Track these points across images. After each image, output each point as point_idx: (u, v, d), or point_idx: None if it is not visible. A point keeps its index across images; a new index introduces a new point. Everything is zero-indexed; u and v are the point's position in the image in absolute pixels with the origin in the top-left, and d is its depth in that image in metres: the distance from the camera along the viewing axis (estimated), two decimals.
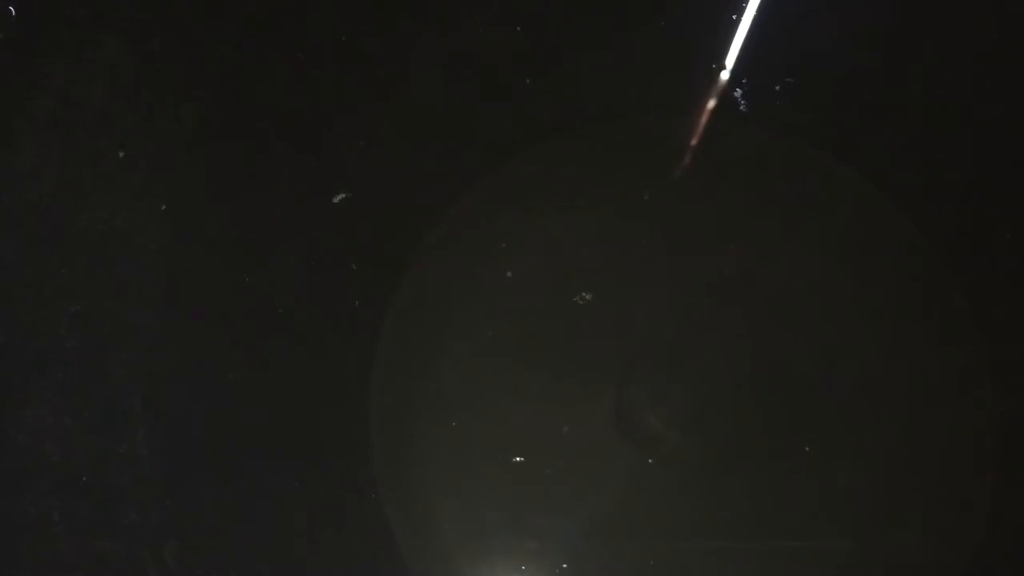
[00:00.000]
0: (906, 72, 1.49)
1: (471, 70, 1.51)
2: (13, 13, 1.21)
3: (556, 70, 1.52)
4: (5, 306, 1.28)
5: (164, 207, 1.35)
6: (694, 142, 1.54)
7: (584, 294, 1.56)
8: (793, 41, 1.49)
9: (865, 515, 1.50)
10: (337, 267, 1.52)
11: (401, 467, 1.54)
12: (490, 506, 1.53)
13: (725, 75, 1.50)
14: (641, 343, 1.56)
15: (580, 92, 1.55)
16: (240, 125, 1.41)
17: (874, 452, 1.51)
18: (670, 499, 1.52)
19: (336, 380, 1.54)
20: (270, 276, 1.47)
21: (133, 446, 1.34)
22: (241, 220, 1.44)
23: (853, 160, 1.55)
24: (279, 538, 1.44)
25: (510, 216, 1.58)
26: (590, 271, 1.57)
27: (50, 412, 1.30)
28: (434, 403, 1.56)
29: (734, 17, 1.45)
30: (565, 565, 1.51)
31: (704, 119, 1.53)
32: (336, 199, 1.49)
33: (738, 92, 1.52)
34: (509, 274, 1.58)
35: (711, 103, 1.52)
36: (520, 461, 1.53)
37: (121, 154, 1.32)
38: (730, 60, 1.48)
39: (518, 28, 1.48)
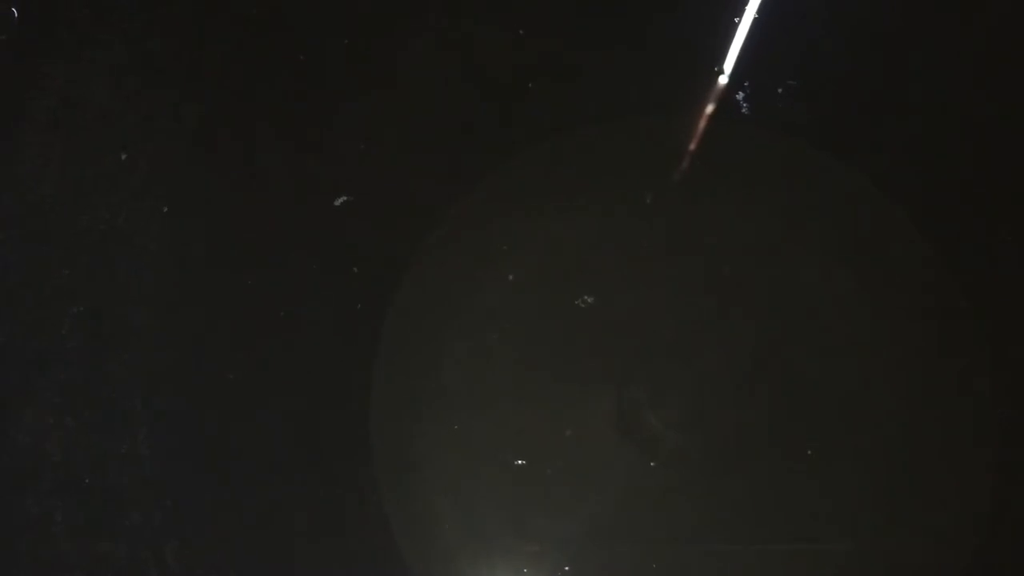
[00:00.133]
0: (906, 72, 1.49)
1: (471, 70, 1.51)
2: (15, 14, 1.21)
3: (556, 70, 1.52)
4: (5, 306, 1.28)
5: (166, 209, 1.36)
6: (694, 142, 1.54)
7: (584, 295, 1.56)
8: (793, 42, 1.49)
9: (865, 515, 1.50)
10: (337, 267, 1.52)
11: (401, 468, 1.54)
12: (490, 506, 1.53)
13: (725, 76, 1.50)
14: (641, 344, 1.56)
15: (580, 92, 1.55)
16: (240, 125, 1.41)
17: (874, 452, 1.51)
18: (670, 500, 1.52)
19: (336, 380, 1.54)
20: (270, 276, 1.47)
21: (134, 446, 1.34)
22: (241, 220, 1.44)
23: (853, 160, 1.55)
24: (279, 538, 1.44)
25: (510, 217, 1.58)
26: (590, 271, 1.57)
27: (51, 412, 1.30)
28: (434, 404, 1.56)
29: (736, 20, 1.45)
30: (567, 568, 1.51)
31: (704, 119, 1.53)
32: (337, 202, 1.49)
33: (739, 94, 1.52)
34: (509, 275, 1.58)
35: (711, 103, 1.52)
36: (521, 462, 1.53)
37: (123, 156, 1.33)
38: (730, 61, 1.49)
39: (519, 29, 1.49)
